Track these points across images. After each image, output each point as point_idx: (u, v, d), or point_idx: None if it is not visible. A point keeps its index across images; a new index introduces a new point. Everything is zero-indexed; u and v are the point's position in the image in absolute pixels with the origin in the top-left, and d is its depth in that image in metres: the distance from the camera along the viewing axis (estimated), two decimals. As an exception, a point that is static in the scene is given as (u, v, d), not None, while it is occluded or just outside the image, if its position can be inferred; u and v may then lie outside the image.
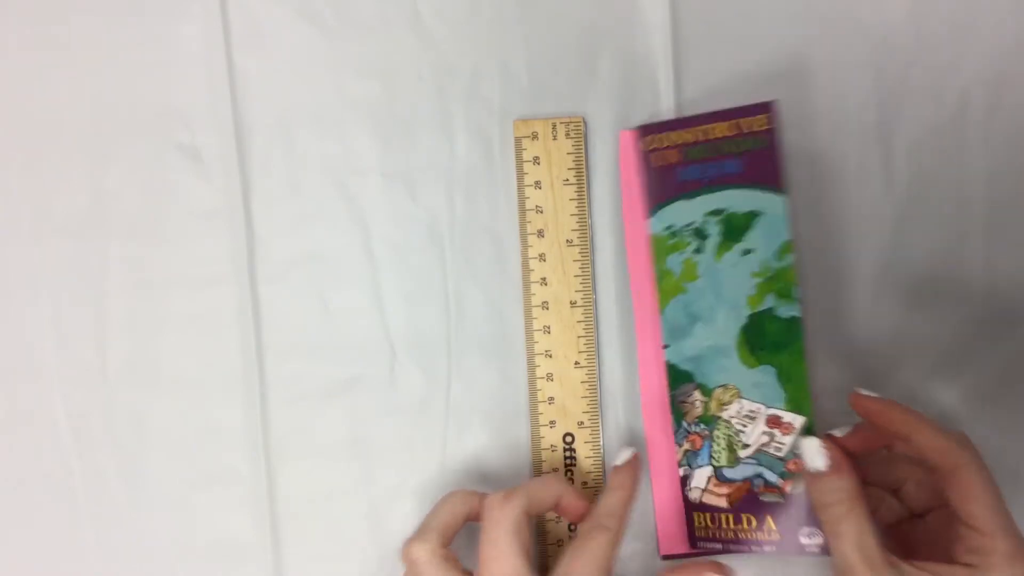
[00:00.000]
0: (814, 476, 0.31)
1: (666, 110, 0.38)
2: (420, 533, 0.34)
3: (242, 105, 0.38)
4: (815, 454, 0.31)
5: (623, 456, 0.36)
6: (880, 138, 0.38)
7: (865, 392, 0.33)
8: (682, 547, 0.37)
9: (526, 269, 0.38)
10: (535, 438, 0.38)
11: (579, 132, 0.38)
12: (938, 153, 0.38)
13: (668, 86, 0.38)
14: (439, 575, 0.33)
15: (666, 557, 0.37)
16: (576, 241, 0.38)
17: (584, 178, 0.38)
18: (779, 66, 0.38)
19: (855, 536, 0.29)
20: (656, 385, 0.37)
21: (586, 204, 0.38)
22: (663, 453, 0.37)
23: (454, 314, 0.38)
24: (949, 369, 0.38)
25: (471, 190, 0.38)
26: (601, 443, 0.38)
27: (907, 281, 0.38)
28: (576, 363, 0.38)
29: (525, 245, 0.38)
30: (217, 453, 0.38)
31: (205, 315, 0.38)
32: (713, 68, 0.38)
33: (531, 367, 0.38)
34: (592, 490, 0.38)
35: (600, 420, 0.38)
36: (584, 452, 0.38)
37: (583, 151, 0.38)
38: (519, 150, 0.38)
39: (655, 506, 0.37)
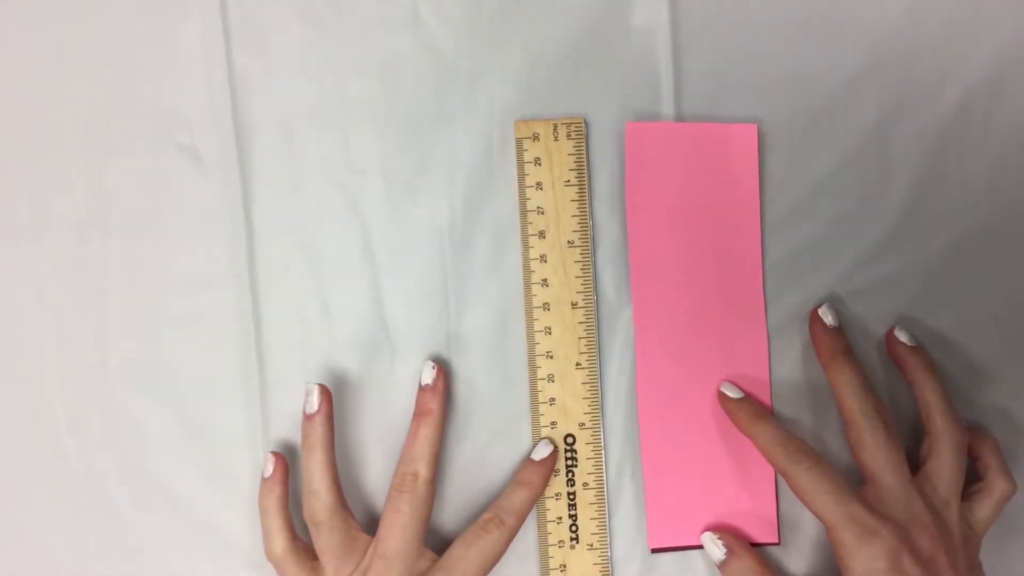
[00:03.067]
0: (720, 563, 0.37)
1: (666, 111, 0.39)
2: (268, 536, 0.37)
3: (242, 105, 0.39)
4: (712, 547, 0.37)
5: (541, 452, 0.38)
6: (880, 138, 0.39)
7: (901, 336, 0.37)
8: (672, 541, 0.38)
9: (527, 270, 0.39)
10: (536, 439, 0.39)
11: (580, 133, 0.38)
12: (938, 153, 0.39)
13: (668, 86, 0.38)
14: (299, 563, 0.36)
15: (656, 551, 0.38)
16: (577, 242, 0.38)
17: (585, 179, 0.39)
18: (779, 66, 0.39)
19: None
20: (653, 378, 0.38)
21: (587, 205, 0.39)
22: (658, 446, 0.38)
23: (454, 314, 0.39)
24: (961, 371, 0.39)
25: (471, 190, 0.39)
26: (602, 444, 0.39)
27: (906, 281, 0.39)
28: (577, 364, 0.39)
29: (526, 246, 0.38)
30: (217, 453, 0.39)
31: (205, 315, 0.39)
32: (713, 68, 0.38)
33: (532, 368, 0.39)
34: (593, 491, 0.38)
35: (601, 421, 0.39)
36: (585, 453, 0.39)
37: (584, 152, 0.38)
38: (520, 151, 0.38)
39: (647, 499, 0.38)
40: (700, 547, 0.38)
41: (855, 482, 0.35)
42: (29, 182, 0.39)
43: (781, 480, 0.38)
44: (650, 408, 0.38)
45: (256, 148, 0.39)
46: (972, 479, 0.37)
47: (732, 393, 0.38)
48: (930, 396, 0.36)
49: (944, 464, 0.35)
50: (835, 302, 0.39)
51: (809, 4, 0.38)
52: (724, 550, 0.37)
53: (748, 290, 0.38)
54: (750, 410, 0.37)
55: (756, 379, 0.38)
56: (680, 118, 0.39)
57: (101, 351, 0.39)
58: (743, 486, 0.38)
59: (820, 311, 0.38)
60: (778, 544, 0.38)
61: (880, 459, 0.35)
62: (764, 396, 0.38)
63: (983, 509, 0.36)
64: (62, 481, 0.39)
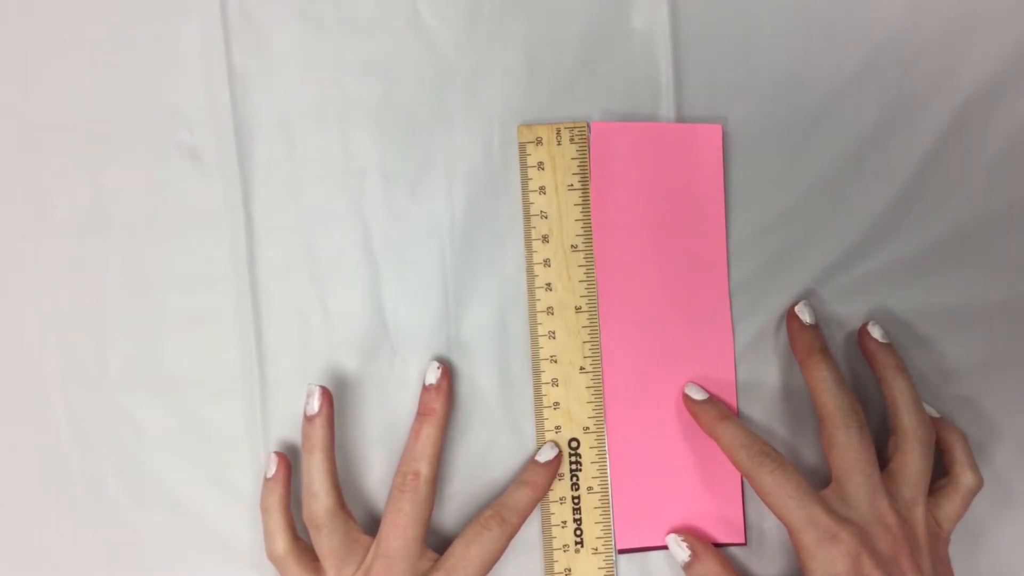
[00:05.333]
0: (684, 565, 0.38)
1: (666, 111, 0.39)
2: (270, 537, 0.37)
3: (242, 105, 0.39)
4: (677, 549, 0.38)
5: (546, 454, 0.38)
6: (880, 138, 0.39)
7: (873, 332, 0.38)
8: (638, 542, 0.39)
9: (531, 274, 0.39)
10: (540, 443, 0.39)
11: (583, 137, 0.39)
12: (938, 153, 0.39)
13: (668, 87, 0.39)
14: (300, 563, 0.37)
15: (623, 551, 0.39)
16: (581, 246, 0.39)
17: (588, 183, 0.39)
18: (778, 66, 0.39)
19: None
20: (619, 378, 0.39)
21: (590, 209, 0.39)
22: (624, 446, 0.39)
23: (454, 315, 0.39)
24: (959, 372, 0.40)
25: (471, 190, 0.39)
26: (606, 448, 0.39)
27: (906, 282, 0.39)
28: (581, 368, 0.39)
29: (530, 251, 0.39)
30: (217, 453, 0.40)
31: (205, 315, 0.40)
32: (713, 68, 0.39)
33: (536, 372, 0.39)
34: (597, 495, 0.39)
35: (605, 425, 0.39)
36: (589, 457, 0.39)
37: (587, 156, 0.39)
38: (523, 155, 0.39)
39: (613, 500, 0.39)
40: (665, 548, 0.39)
41: (823, 483, 0.36)
42: (29, 182, 0.40)
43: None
44: (616, 409, 0.39)
45: (256, 148, 0.39)
46: (940, 473, 0.37)
47: (696, 395, 0.38)
48: (898, 394, 0.36)
49: (910, 463, 0.36)
50: (813, 300, 0.39)
51: (809, 4, 0.39)
52: (688, 552, 0.38)
53: (714, 291, 0.39)
54: (714, 411, 0.38)
55: (722, 380, 0.39)
56: (680, 119, 0.39)
57: (101, 351, 0.40)
58: (709, 487, 0.39)
59: (797, 308, 0.38)
60: (744, 544, 0.39)
61: (850, 457, 0.35)
62: (730, 398, 0.39)
63: (950, 504, 0.36)
64: (62, 481, 0.40)
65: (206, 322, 0.40)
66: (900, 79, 0.39)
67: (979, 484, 0.37)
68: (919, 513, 0.35)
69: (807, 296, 0.39)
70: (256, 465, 0.40)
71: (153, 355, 0.40)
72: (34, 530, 0.40)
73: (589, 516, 0.39)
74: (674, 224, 0.39)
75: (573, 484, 0.39)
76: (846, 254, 0.39)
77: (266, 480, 0.38)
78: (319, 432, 0.37)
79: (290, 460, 0.39)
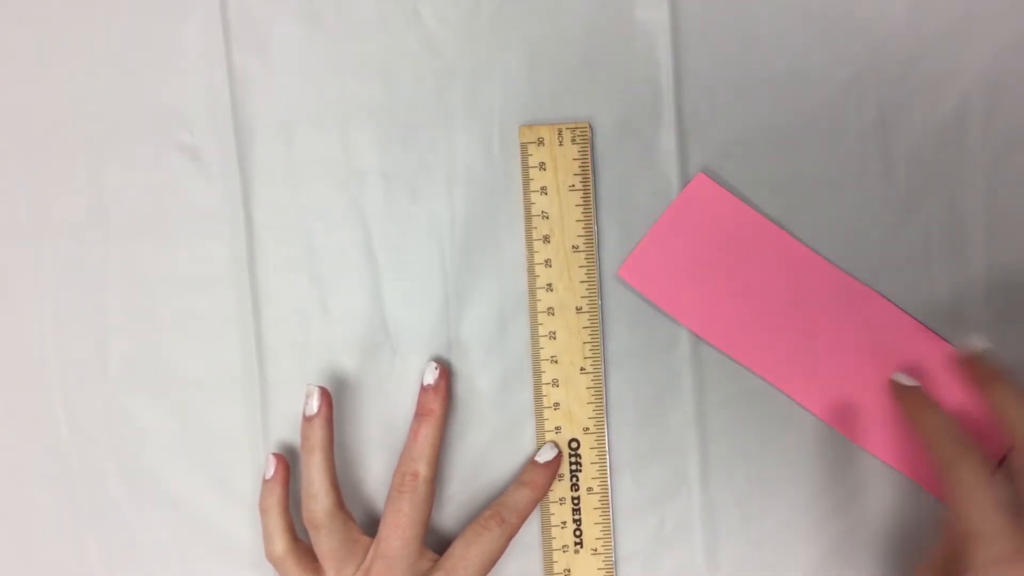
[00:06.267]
0: None
1: (666, 111, 0.39)
2: (269, 538, 0.38)
3: (242, 105, 0.39)
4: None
5: (546, 454, 0.38)
6: (880, 138, 0.39)
7: (974, 350, 0.37)
8: (638, 284, 0.39)
9: (532, 275, 0.39)
10: (540, 443, 0.39)
11: (585, 138, 0.39)
12: (938, 153, 0.39)
13: (668, 87, 0.39)
14: (300, 564, 0.37)
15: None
16: (582, 247, 0.39)
17: (590, 183, 0.39)
18: (778, 66, 0.39)
19: None
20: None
21: (592, 210, 0.39)
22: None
23: (454, 315, 0.40)
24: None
25: (471, 189, 0.39)
26: (607, 449, 0.39)
27: (907, 283, 0.39)
28: (582, 369, 0.39)
29: (531, 251, 0.39)
30: (217, 453, 0.40)
31: (205, 315, 0.40)
32: (713, 68, 0.39)
33: (537, 373, 0.39)
34: (597, 496, 0.39)
35: (606, 426, 0.39)
36: (590, 458, 0.39)
37: (589, 157, 0.39)
38: (525, 156, 0.39)
39: (649, 233, 0.39)
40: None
41: None
42: (29, 182, 0.40)
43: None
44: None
45: (256, 148, 0.40)
46: None
47: (906, 381, 0.37)
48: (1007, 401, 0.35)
49: None
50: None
51: (809, 4, 0.39)
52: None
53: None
54: (920, 400, 0.36)
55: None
56: (680, 118, 0.39)
57: (101, 351, 0.40)
58: None
59: (895, 377, 0.38)
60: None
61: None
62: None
63: None
64: (62, 481, 0.40)
65: (206, 322, 0.40)
66: (900, 79, 0.39)
67: None
68: None
69: None
70: (256, 465, 0.40)
71: (153, 355, 0.40)
72: (34, 530, 0.40)
73: (589, 517, 0.39)
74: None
75: (573, 485, 0.39)
76: (845, 254, 0.39)
77: (265, 481, 0.38)
78: (318, 432, 0.37)
79: (288, 461, 0.39)
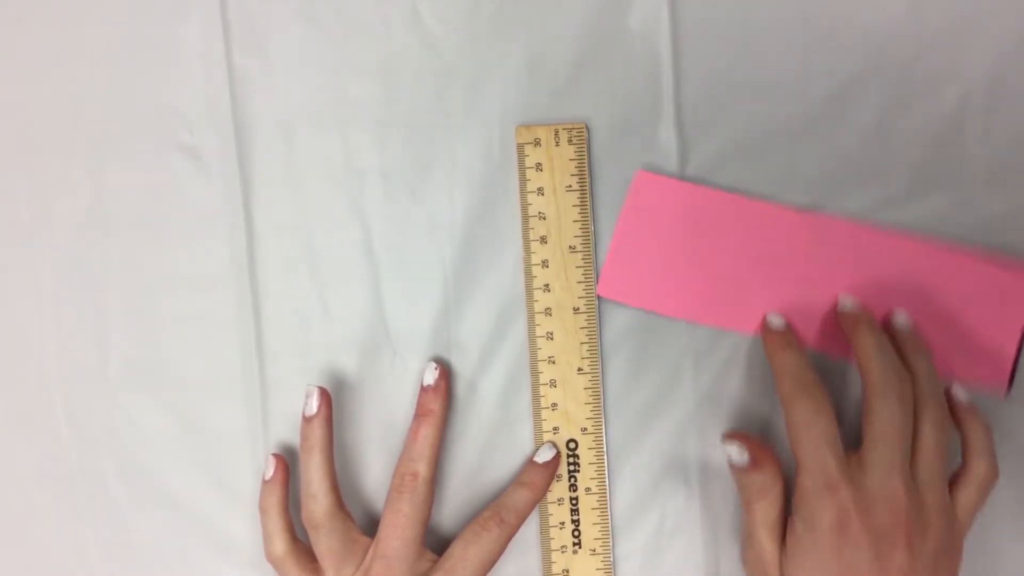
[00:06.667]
0: (736, 469, 0.36)
1: (666, 112, 0.39)
2: (269, 538, 0.38)
3: (242, 105, 0.39)
4: (736, 455, 0.36)
5: (544, 455, 0.39)
6: (880, 139, 0.39)
7: (959, 395, 0.37)
8: (620, 297, 0.39)
9: (529, 276, 0.39)
10: (538, 444, 0.39)
11: (582, 139, 0.39)
12: (938, 153, 0.39)
13: (668, 87, 0.39)
14: (299, 564, 0.37)
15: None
16: (579, 247, 0.39)
17: (587, 184, 0.39)
18: (779, 66, 0.39)
19: (762, 514, 0.36)
20: None
21: (589, 210, 0.39)
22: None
23: (454, 315, 0.40)
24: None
25: (471, 189, 0.39)
26: (604, 449, 0.40)
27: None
28: (579, 369, 0.39)
29: (528, 252, 0.39)
30: (217, 453, 0.40)
31: (205, 315, 0.40)
32: (713, 69, 0.39)
33: (534, 373, 0.39)
34: (595, 496, 0.39)
35: (603, 426, 0.40)
36: (587, 458, 0.39)
37: (586, 157, 0.39)
38: (521, 156, 0.39)
39: (611, 248, 0.39)
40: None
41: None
42: (29, 182, 0.40)
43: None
44: None
45: (256, 148, 0.40)
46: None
47: (775, 321, 0.38)
48: (917, 367, 0.36)
49: (925, 443, 0.35)
50: None
51: (809, 4, 0.39)
52: (748, 459, 0.36)
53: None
54: (782, 340, 0.37)
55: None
56: (680, 119, 0.39)
57: (101, 351, 0.40)
58: None
59: (840, 302, 0.38)
60: None
61: (879, 427, 0.34)
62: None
63: (964, 494, 0.35)
64: (62, 481, 0.40)
65: (206, 322, 0.40)
66: (900, 79, 0.39)
67: (992, 475, 0.36)
68: (932, 496, 0.34)
69: None
70: (256, 465, 0.40)
71: (153, 355, 0.40)
72: (34, 530, 0.40)
73: (587, 517, 0.39)
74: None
75: (571, 485, 0.39)
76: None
77: (265, 481, 0.38)
78: (317, 433, 0.38)
79: (288, 461, 0.39)
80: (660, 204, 0.39)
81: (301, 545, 0.38)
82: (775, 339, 0.38)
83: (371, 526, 0.39)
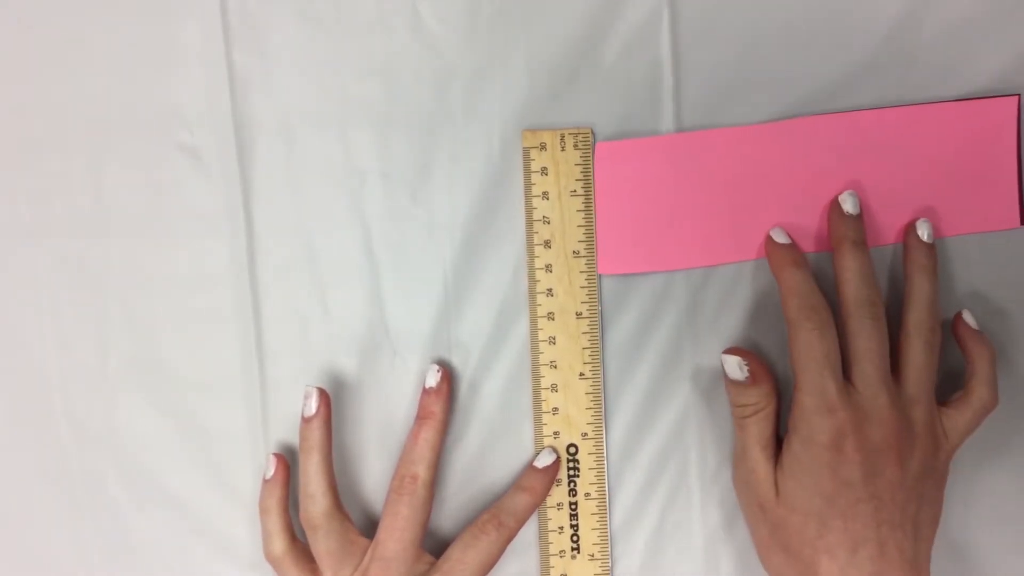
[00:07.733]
0: (733, 384, 0.37)
1: (666, 112, 0.39)
2: (268, 538, 0.38)
3: (242, 105, 0.39)
4: (735, 369, 0.37)
5: (544, 459, 0.39)
6: None
7: (968, 320, 0.38)
8: (622, 268, 0.39)
9: (532, 280, 0.39)
10: (539, 448, 0.39)
11: (587, 143, 0.39)
12: None
13: (668, 88, 0.39)
14: (298, 565, 0.38)
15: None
16: (583, 252, 0.39)
17: (591, 189, 0.39)
18: (779, 66, 0.39)
19: (756, 431, 0.36)
20: None
21: (593, 215, 0.39)
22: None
23: (455, 316, 0.40)
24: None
25: (471, 190, 0.39)
26: (605, 454, 0.39)
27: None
28: (581, 374, 0.39)
29: (532, 256, 0.39)
30: (217, 453, 0.40)
31: (205, 315, 0.40)
32: (713, 69, 0.39)
33: (536, 378, 0.39)
34: (595, 501, 0.39)
35: (604, 431, 0.39)
36: (587, 463, 0.39)
37: (591, 162, 0.39)
38: (527, 160, 0.39)
39: (598, 224, 0.39)
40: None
41: None
42: (29, 181, 0.40)
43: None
44: None
45: (256, 148, 0.40)
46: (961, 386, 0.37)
47: (779, 238, 0.38)
48: (914, 290, 0.37)
49: (910, 360, 0.36)
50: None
51: (809, 4, 0.38)
52: (747, 374, 0.37)
53: None
54: (789, 257, 0.37)
55: None
56: (680, 119, 0.39)
57: (101, 351, 0.40)
58: None
59: (841, 197, 0.38)
60: None
61: (859, 346, 0.35)
62: None
63: (959, 416, 0.36)
64: (62, 481, 0.40)
65: (206, 322, 0.40)
66: (900, 79, 0.39)
67: (992, 402, 0.36)
68: (919, 413, 0.35)
69: None
70: (256, 465, 0.40)
71: (153, 355, 0.40)
72: (34, 530, 0.41)
73: (586, 522, 0.39)
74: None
75: (571, 490, 0.39)
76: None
77: (265, 481, 0.38)
78: (316, 433, 0.38)
79: (289, 461, 0.39)
80: (628, 167, 0.39)
81: (300, 545, 0.38)
82: (780, 254, 0.38)
83: (370, 527, 0.39)
